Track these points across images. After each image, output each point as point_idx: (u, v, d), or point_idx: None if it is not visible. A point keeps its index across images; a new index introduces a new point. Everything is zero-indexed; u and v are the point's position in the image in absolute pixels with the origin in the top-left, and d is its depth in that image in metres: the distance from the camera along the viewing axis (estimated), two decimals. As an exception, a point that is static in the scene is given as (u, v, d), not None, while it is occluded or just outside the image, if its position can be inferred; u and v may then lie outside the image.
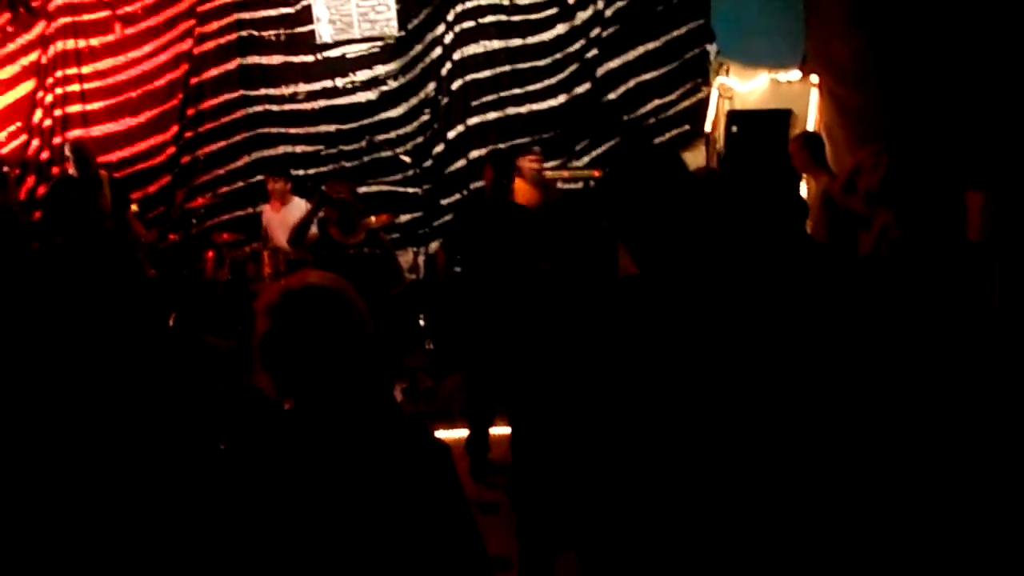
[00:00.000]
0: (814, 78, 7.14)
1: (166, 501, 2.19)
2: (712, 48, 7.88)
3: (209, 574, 1.79)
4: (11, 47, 7.42)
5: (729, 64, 7.80)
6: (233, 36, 7.98)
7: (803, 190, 5.79)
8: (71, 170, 6.50)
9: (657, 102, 8.09)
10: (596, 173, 7.40)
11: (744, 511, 1.78)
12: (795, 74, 7.31)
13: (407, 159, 7.69)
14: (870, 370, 2.27)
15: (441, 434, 6.08)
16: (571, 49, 8.11)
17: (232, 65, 8.03)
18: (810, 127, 6.99)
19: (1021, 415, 2.23)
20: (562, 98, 8.20)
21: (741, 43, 7.57)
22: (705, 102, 7.93)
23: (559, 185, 7.14)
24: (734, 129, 7.07)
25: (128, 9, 7.78)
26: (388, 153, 7.84)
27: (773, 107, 7.26)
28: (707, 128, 7.89)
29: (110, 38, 7.77)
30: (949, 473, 2.15)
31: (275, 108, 8.13)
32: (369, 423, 1.77)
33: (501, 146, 7.39)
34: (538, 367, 2.86)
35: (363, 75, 8.08)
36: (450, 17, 8.07)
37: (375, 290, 5.16)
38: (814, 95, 7.13)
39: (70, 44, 7.76)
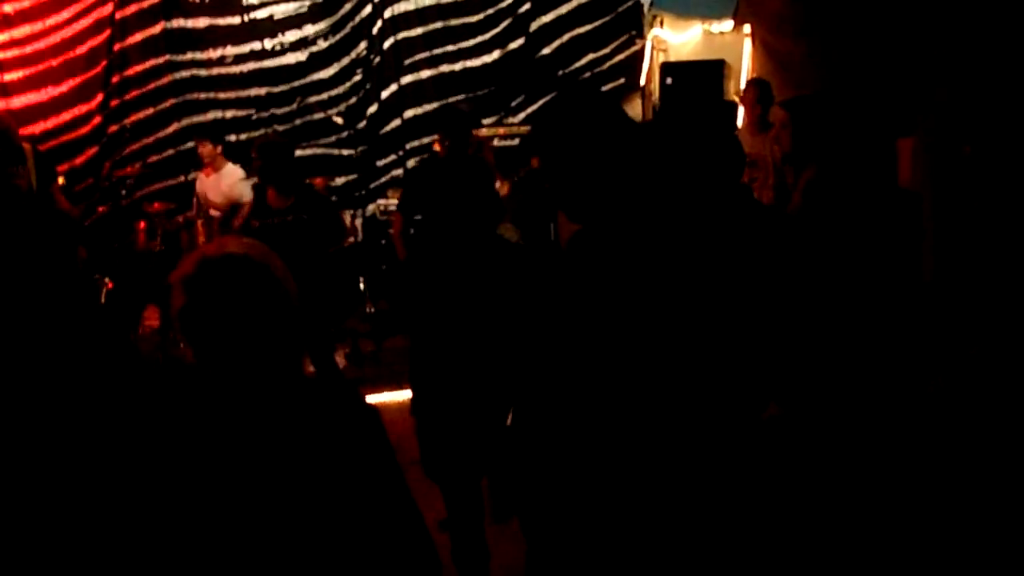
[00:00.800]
0: (747, 28, 7.18)
1: (81, 483, 2.15)
2: (645, 0, 7.86)
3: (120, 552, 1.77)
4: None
5: (663, 16, 7.80)
6: (156, -1, 7.74)
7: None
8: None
9: (592, 56, 8.08)
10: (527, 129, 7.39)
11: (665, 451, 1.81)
12: (728, 24, 7.34)
13: (340, 120, 7.57)
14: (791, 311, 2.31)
15: (385, 397, 6.18)
16: (503, 4, 8.04)
17: (156, 29, 7.79)
18: (743, 77, 7.05)
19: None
20: (496, 54, 8.14)
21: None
22: (640, 55, 7.94)
23: (495, 143, 7.10)
24: (668, 81, 7.08)
25: (43, -28, 7.49)
26: (321, 115, 7.71)
27: (707, 58, 7.29)
28: (642, 81, 7.91)
29: (25, 4, 7.46)
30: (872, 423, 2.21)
31: (203, 72, 7.93)
32: (288, 391, 1.75)
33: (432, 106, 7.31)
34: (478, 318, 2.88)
35: (292, 36, 7.92)
36: (380, -27, 7.93)
37: (312, 251, 5.10)
38: (747, 45, 7.18)
39: (-18, 11, 7.47)
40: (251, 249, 1.75)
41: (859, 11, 5.77)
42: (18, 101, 7.60)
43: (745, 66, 7.06)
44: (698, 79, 7.07)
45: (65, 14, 7.57)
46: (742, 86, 6.81)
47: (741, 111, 6.35)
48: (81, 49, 7.66)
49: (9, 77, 7.58)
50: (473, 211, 3.05)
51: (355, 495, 1.72)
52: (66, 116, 7.69)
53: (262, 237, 4.59)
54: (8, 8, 7.48)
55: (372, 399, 6.30)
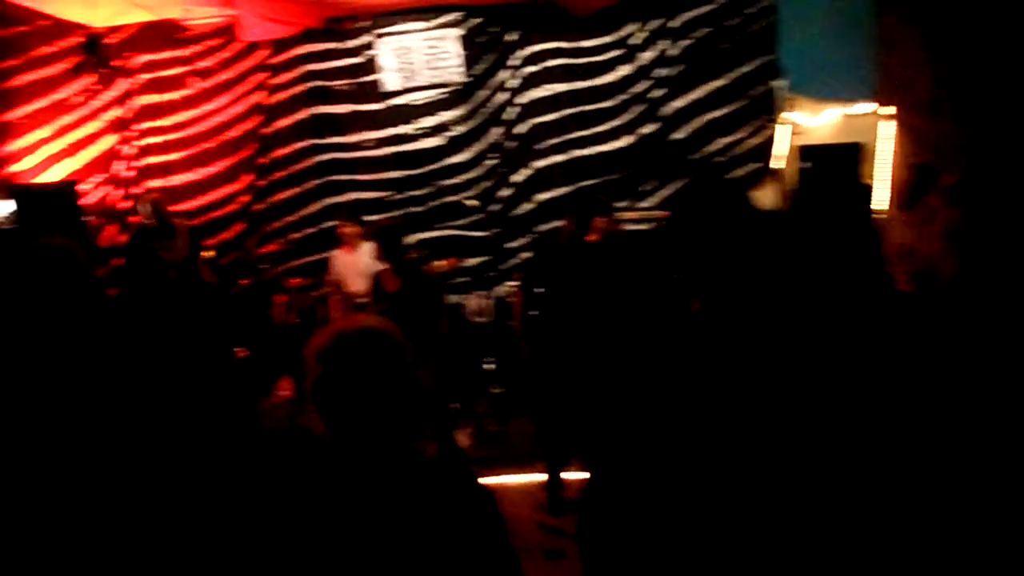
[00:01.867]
0: (887, 110, 6.98)
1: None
2: (781, 84, 7.76)
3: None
4: (96, 103, 7.74)
5: (799, 99, 7.68)
6: (303, 87, 8.18)
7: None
8: (145, 220, 6.71)
9: (725, 140, 7.99)
10: (664, 214, 7.30)
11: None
12: (867, 106, 7.15)
13: (475, 203, 7.73)
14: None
15: (508, 479, 6.08)
16: (636, 89, 8.08)
17: (303, 115, 8.22)
18: (882, 160, 6.82)
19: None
20: (628, 139, 8.16)
21: (810, 77, 7.46)
22: (774, 138, 7.80)
23: (626, 227, 7.06)
24: (804, 164, 6.91)
25: (204, 64, 8.06)
26: (455, 198, 7.89)
27: (844, 141, 7.10)
28: (777, 165, 7.76)
29: (189, 91, 8.05)
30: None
31: (344, 155, 8.27)
32: (407, 466, 1.75)
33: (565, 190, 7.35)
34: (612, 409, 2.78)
35: (429, 121, 8.18)
36: (514, 62, 8.14)
37: (425, 331, 5.19)
38: (888, 128, 6.96)
39: (151, 99, 8.07)
40: (383, 325, 1.80)
41: (1009, 90, 5.51)
42: (177, 179, 8.15)
43: (886, 148, 6.82)
44: (835, 162, 6.87)
45: (221, 100, 8.12)
46: (877, 169, 6.59)
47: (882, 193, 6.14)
48: (233, 133, 8.18)
49: (171, 158, 8.14)
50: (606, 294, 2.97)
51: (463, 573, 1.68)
52: (218, 194, 8.18)
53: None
54: (174, 96, 8.09)
55: (495, 480, 6.23)
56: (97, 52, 6.08)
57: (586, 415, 2.88)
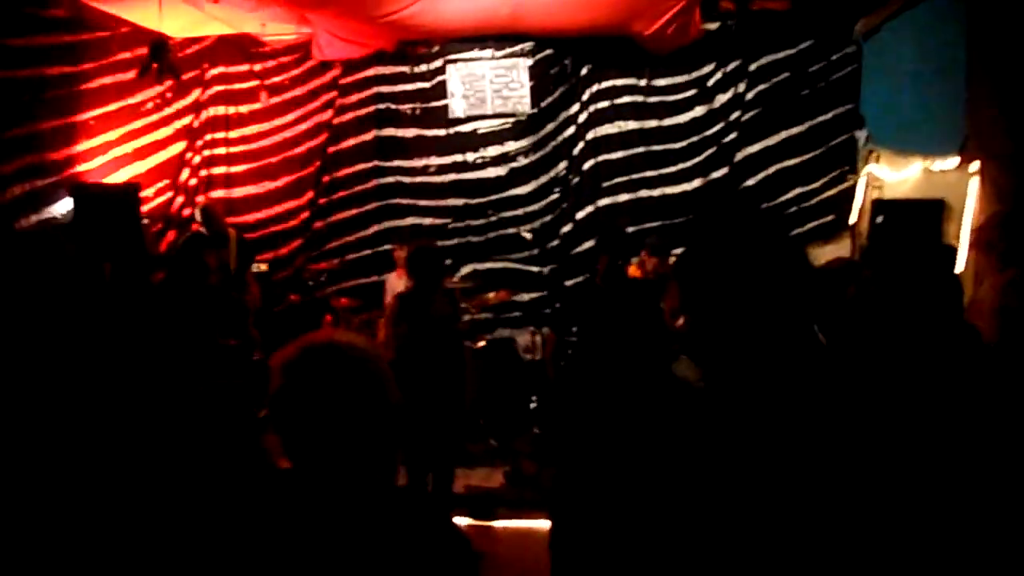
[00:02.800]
0: (974, 166, 6.55)
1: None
2: (861, 134, 7.41)
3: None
4: (168, 111, 7.86)
5: (880, 151, 7.30)
6: (371, 108, 8.18)
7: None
8: (198, 228, 6.75)
9: (799, 190, 7.66)
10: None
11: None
12: (952, 162, 6.73)
13: (529, 236, 7.55)
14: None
15: (541, 523, 5.80)
16: (709, 132, 7.83)
17: (368, 136, 8.21)
18: (967, 219, 6.38)
19: None
20: (697, 182, 7.90)
21: (893, 129, 7.09)
22: (852, 191, 7.44)
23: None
24: (880, 219, 6.52)
25: (276, 80, 8.13)
26: (512, 231, 7.73)
27: (925, 198, 6.68)
28: (852, 219, 7.38)
29: (257, 106, 8.12)
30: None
31: (406, 180, 8.22)
32: (370, 500, 1.57)
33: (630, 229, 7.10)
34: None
35: (493, 151, 8.08)
36: (585, 96, 7.99)
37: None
38: (973, 184, 6.52)
39: (220, 110, 8.18)
40: (359, 343, 1.63)
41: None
42: (239, 192, 8.21)
43: (969, 208, 6.38)
44: (914, 219, 6.46)
45: (290, 117, 8.17)
46: (963, 228, 6.16)
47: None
48: (299, 149, 8.21)
49: (234, 170, 8.21)
50: (637, 341, 2.68)
51: None
52: (278, 209, 8.20)
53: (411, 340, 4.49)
54: (244, 109, 8.17)
55: (527, 524, 5.91)
56: (162, 59, 6.13)
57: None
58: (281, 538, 1.52)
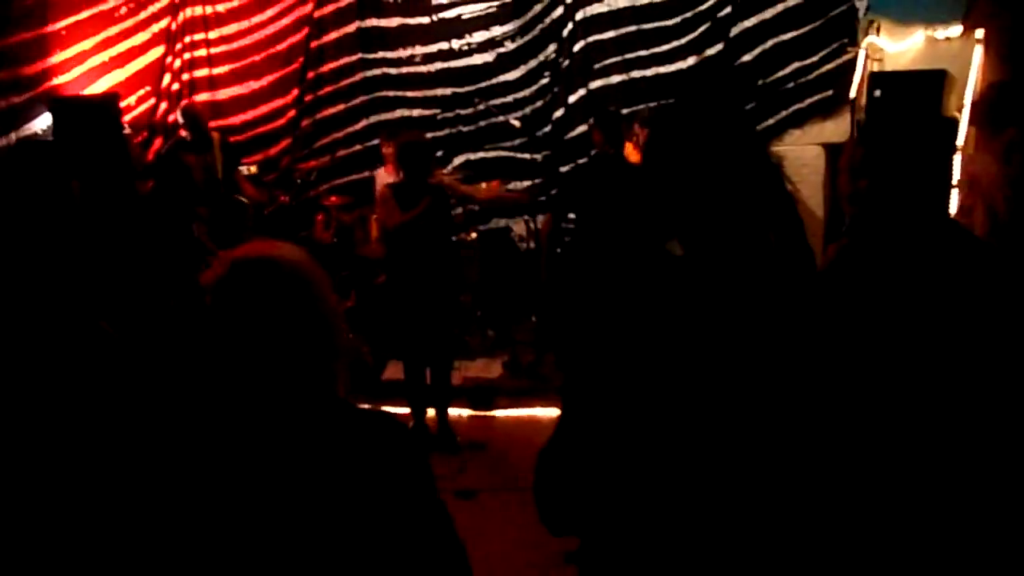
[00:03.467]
0: (979, 33, 6.28)
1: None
2: (861, 4, 7.08)
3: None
4: (143, 15, 7.63)
5: (880, 21, 6.98)
6: (352, -1, 7.91)
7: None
8: (184, 133, 6.65)
9: (797, 65, 7.34)
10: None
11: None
12: (955, 30, 6.45)
13: (517, 124, 7.39)
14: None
15: (538, 411, 5.90)
16: (702, 7, 7.48)
17: (351, 28, 7.96)
18: (970, 90, 6.16)
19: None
20: (691, 60, 7.61)
21: (894, -4, 6.78)
22: (852, 64, 7.16)
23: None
24: (877, 93, 6.29)
25: (252, -26, 7.85)
26: (504, 118, 7.56)
27: (926, 68, 6.42)
28: (853, 93, 7.14)
29: (235, 3, 7.87)
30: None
31: (392, 71, 8.01)
32: (308, 411, 1.57)
33: (610, 108, 6.90)
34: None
35: (479, 36, 7.82)
36: (573, -26, 7.66)
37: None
38: (978, 54, 6.27)
39: (198, 11, 7.94)
40: (291, 255, 1.60)
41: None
42: (223, 94, 8.05)
43: (973, 78, 6.15)
44: (913, 92, 6.22)
45: (269, 12, 7.94)
46: (966, 100, 5.95)
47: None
48: (281, 46, 7.99)
49: (217, 71, 8.04)
50: (630, 224, 2.66)
51: (371, 529, 1.54)
52: (264, 109, 8.06)
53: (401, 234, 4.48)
54: (221, 8, 7.92)
55: (526, 412, 5.99)
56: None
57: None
58: (212, 451, 1.54)
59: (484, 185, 7.10)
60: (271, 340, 1.53)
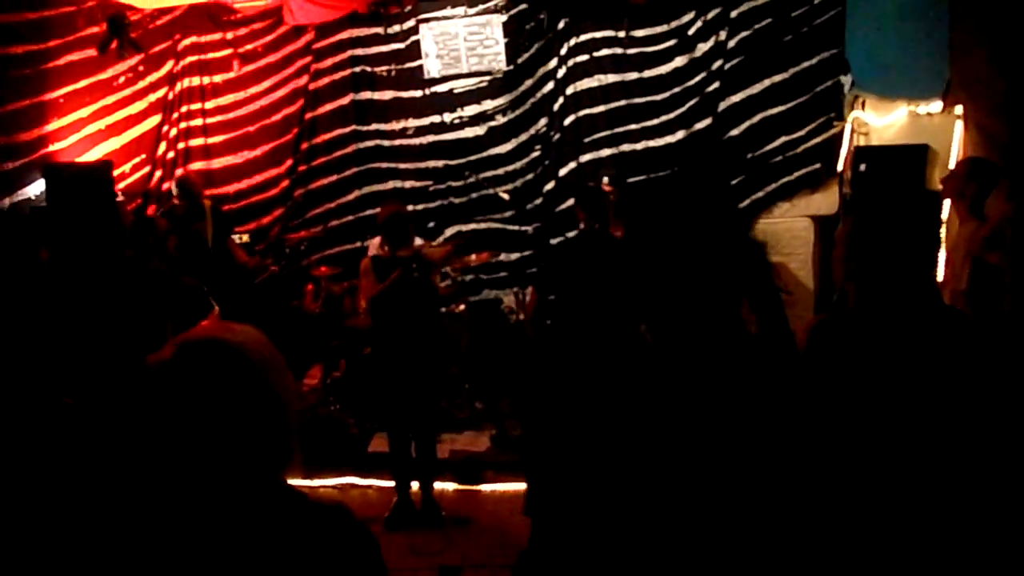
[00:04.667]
0: (959, 109, 6.39)
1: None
2: (846, 80, 7.20)
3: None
4: (141, 84, 7.78)
5: (865, 97, 7.11)
6: (347, 72, 8.04)
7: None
8: (176, 202, 6.71)
9: (784, 139, 7.45)
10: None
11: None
12: (936, 105, 6.56)
13: (505, 196, 7.45)
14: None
15: (525, 486, 5.79)
16: (691, 83, 7.63)
17: (345, 100, 8.08)
18: (952, 164, 6.23)
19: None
20: (681, 134, 7.72)
21: (878, 74, 6.90)
22: (839, 138, 7.26)
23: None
24: (862, 167, 6.35)
25: (249, 47, 8.01)
26: (494, 191, 7.63)
27: (910, 143, 6.51)
28: (840, 167, 7.21)
29: (231, 75, 8.01)
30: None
31: (385, 143, 8.11)
32: (253, 501, 1.52)
33: (591, 184, 6.96)
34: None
35: (471, 110, 7.93)
36: (563, 51, 7.79)
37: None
38: (958, 128, 6.37)
39: (196, 81, 8.08)
40: (242, 338, 1.55)
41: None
42: (218, 162, 8.15)
43: (954, 152, 6.23)
44: (897, 165, 6.29)
45: (266, 84, 8.06)
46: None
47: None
48: (276, 117, 8.11)
49: (212, 140, 8.13)
50: (608, 304, 2.65)
51: None
52: (258, 178, 8.14)
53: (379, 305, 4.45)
54: (218, 79, 8.06)
55: (513, 487, 5.88)
56: (122, 34, 6.03)
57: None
58: (161, 539, 1.49)
59: (474, 256, 7.13)
60: (211, 425, 1.49)
